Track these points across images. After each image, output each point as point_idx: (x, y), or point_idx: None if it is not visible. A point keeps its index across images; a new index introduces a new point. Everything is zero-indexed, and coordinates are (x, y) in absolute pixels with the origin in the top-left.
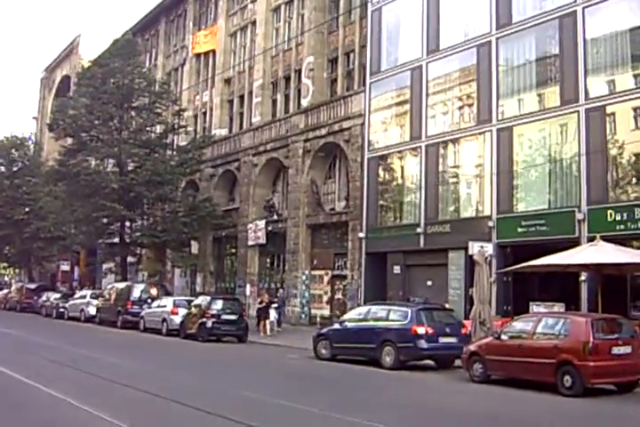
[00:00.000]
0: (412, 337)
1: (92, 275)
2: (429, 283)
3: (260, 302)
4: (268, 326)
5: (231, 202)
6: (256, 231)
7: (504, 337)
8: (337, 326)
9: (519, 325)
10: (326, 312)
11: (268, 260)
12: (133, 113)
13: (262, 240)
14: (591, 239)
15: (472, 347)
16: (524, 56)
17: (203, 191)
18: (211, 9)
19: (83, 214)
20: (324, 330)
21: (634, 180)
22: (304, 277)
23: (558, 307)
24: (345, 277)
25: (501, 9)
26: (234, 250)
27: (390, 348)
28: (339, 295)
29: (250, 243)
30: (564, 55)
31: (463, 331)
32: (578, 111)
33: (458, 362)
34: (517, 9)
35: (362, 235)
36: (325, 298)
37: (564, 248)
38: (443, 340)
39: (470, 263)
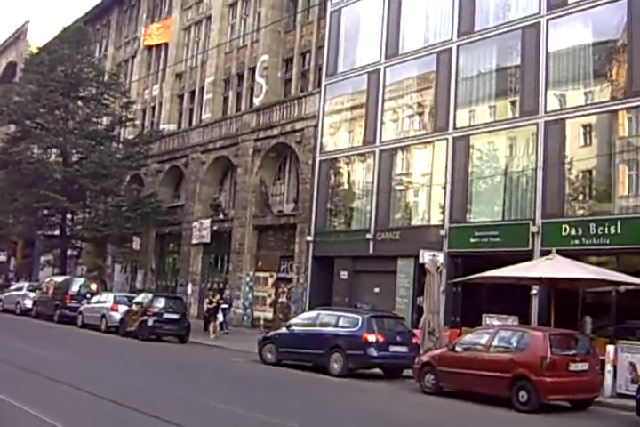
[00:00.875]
0: (362, 345)
1: (29, 267)
2: (377, 290)
3: (210, 303)
4: (215, 328)
5: (176, 199)
6: (201, 230)
7: (458, 349)
8: (284, 329)
9: (475, 337)
10: (269, 315)
11: (212, 259)
12: (80, 103)
13: (207, 239)
14: (545, 253)
15: (424, 357)
16: (484, 65)
17: (148, 187)
18: (165, 1)
19: (23, 204)
20: (270, 334)
21: (589, 195)
22: (248, 279)
23: (512, 320)
24: (290, 280)
25: (464, 16)
26: (177, 248)
27: (339, 355)
28: (283, 298)
29: (194, 241)
30: (526, 66)
31: (414, 340)
32: (537, 123)
33: (407, 372)
34: (480, 17)
35: (310, 238)
36: (269, 301)
37: (516, 261)
38: (393, 349)
39: (419, 272)
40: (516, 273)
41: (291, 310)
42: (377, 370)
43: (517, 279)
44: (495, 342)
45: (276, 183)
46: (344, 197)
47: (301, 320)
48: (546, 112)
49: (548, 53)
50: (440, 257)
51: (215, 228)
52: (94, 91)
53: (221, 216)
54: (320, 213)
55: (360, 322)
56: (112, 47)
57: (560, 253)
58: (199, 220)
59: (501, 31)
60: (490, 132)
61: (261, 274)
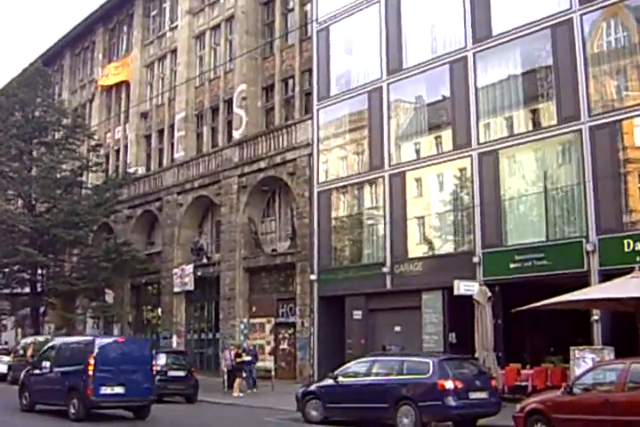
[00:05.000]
0: (438, 394)
1: None
2: (398, 329)
3: (238, 356)
4: (241, 385)
5: (150, 246)
6: (182, 277)
7: (576, 390)
8: (330, 381)
9: (597, 374)
10: (269, 364)
11: (198, 308)
12: (44, 149)
13: (190, 286)
14: (605, 273)
15: (532, 404)
16: (507, 71)
17: (118, 234)
18: (122, 39)
19: None
20: (313, 387)
21: None
22: (242, 326)
23: (608, 352)
24: (291, 324)
25: (479, 21)
26: (156, 298)
27: (409, 407)
28: (284, 345)
29: (176, 289)
30: (560, 65)
31: (493, 383)
32: (581, 129)
33: (483, 421)
34: (497, 20)
35: (313, 277)
36: (268, 349)
37: (569, 284)
38: (473, 395)
39: (450, 305)
40: (604, 295)
41: (296, 357)
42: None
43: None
44: (632, 379)
45: (265, 220)
46: (351, 229)
47: (353, 369)
48: (590, 116)
49: (584, 49)
50: (474, 287)
51: (199, 273)
52: (58, 135)
53: (205, 260)
54: (323, 249)
55: (431, 367)
56: (66, 92)
57: (623, 272)
58: (180, 266)
59: (526, 32)
60: (522, 144)
61: (257, 320)
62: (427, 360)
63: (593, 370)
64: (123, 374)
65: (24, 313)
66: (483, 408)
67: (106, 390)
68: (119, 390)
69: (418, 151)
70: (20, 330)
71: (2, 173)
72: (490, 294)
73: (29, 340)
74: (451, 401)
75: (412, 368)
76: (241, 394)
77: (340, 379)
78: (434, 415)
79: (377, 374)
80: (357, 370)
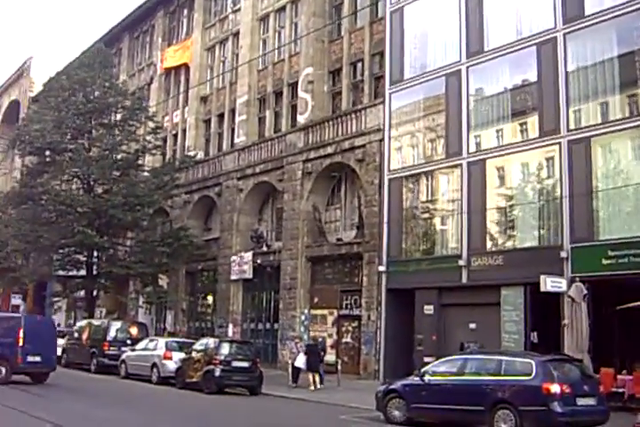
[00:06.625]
0: (542, 398)
1: (41, 311)
2: (473, 326)
3: (320, 348)
4: (315, 378)
5: (206, 232)
6: (241, 264)
7: None
8: (415, 379)
9: None
10: (331, 358)
11: (255, 297)
12: (103, 130)
13: (248, 274)
14: None
15: None
16: (601, 54)
17: (174, 219)
18: (182, 22)
19: (50, 242)
20: (397, 385)
21: None
22: (303, 318)
23: None
24: (356, 317)
25: (569, 0)
26: (212, 285)
27: (508, 411)
28: (347, 339)
29: (233, 277)
30: None
31: (601, 389)
32: None
33: None
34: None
35: (382, 268)
36: (330, 342)
37: None
38: (581, 401)
39: (532, 302)
40: None
41: (361, 352)
42: None
43: None
44: None
45: (330, 209)
46: (423, 220)
47: (442, 368)
48: None
49: None
50: (563, 283)
51: (258, 261)
52: (118, 116)
53: (264, 248)
54: (393, 240)
55: (534, 368)
56: (124, 75)
57: None
58: (238, 253)
59: (624, 11)
60: (617, 131)
61: (318, 311)
62: (529, 361)
63: None
64: (40, 346)
65: (76, 296)
66: (591, 416)
67: (29, 359)
68: (38, 358)
69: (500, 138)
70: (71, 313)
71: (62, 153)
72: (585, 291)
73: (84, 323)
74: (557, 407)
75: (512, 369)
76: (312, 388)
77: (428, 377)
78: (537, 422)
79: (470, 374)
80: (448, 369)
